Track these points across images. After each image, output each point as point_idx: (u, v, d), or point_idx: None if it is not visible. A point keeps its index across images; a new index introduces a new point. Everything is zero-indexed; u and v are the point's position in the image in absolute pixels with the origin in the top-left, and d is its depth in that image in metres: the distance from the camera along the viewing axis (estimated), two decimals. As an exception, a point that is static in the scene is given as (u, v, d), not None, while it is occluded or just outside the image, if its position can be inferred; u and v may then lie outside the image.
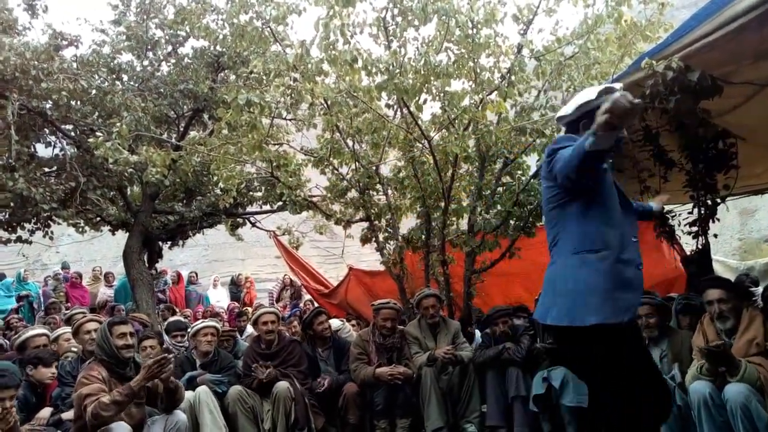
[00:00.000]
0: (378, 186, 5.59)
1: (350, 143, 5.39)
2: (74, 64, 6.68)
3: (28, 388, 3.75)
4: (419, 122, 4.81)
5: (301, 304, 9.55)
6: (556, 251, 2.37)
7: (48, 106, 6.50)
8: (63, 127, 6.92)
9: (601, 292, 2.18)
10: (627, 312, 2.19)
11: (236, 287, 11.51)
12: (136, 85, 7.13)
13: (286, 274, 10.86)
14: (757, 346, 3.02)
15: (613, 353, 2.20)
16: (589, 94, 2.35)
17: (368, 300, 6.06)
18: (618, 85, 2.37)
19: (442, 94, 4.54)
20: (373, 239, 5.65)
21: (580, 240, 2.27)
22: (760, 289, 5.57)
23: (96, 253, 18.77)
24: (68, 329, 4.76)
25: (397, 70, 4.21)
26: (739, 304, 3.19)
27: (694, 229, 4.32)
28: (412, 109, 4.67)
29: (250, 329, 6.72)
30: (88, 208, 7.14)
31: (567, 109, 2.45)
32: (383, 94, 4.48)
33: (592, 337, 2.18)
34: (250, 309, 8.15)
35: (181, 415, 3.52)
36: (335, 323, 5.87)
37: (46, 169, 7.06)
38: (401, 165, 5.54)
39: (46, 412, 3.63)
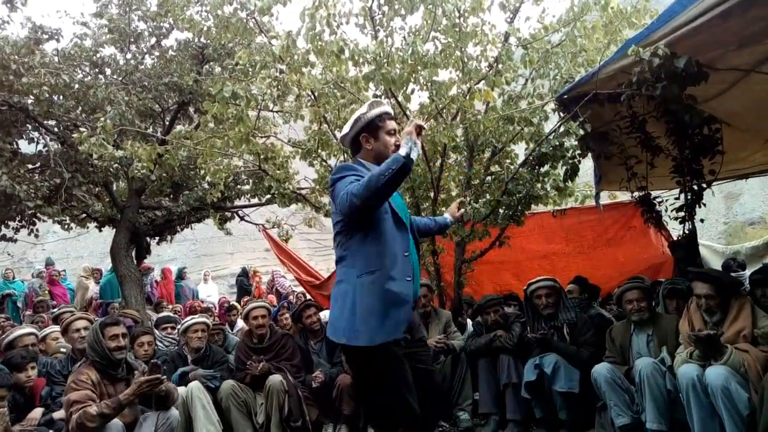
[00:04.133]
0: (367, 177, 5.56)
1: (338, 134, 5.36)
2: (56, 58, 6.57)
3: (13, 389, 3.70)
4: (407, 112, 4.80)
5: (291, 297, 9.54)
6: (343, 272, 2.41)
7: (30, 101, 6.39)
8: (46, 122, 6.80)
9: (376, 313, 2.28)
10: (397, 329, 2.30)
11: (247, 279, 11.43)
12: (120, 78, 7.01)
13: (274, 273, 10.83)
14: (744, 338, 3.07)
15: (387, 368, 2.31)
16: (360, 109, 2.52)
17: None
18: (384, 102, 2.60)
19: (429, 84, 4.53)
20: (363, 230, 5.62)
21: (362, 263, 2.34)
22: (747, 273, 5.65)
23: (83, 249, 18.63)
24: (56, 328, 4.71)
25: (385, 60, 4.19)
26: (726, 299, 3.22)
27: (681, 214, 4.35)
28: (400, 99, 4.66)
29: (240, 323, 6.70)
30: (74, 204, 7.04)
31: (345, 128, 2.58)
32: (371, 84, 4.45)
33: (371, 355, 2.29)
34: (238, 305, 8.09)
35: (173, 411, 3.49)
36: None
37: (30, 166, 6.94)
38: (390, 155, 5.51)
39: (37, 413, 3.59)
